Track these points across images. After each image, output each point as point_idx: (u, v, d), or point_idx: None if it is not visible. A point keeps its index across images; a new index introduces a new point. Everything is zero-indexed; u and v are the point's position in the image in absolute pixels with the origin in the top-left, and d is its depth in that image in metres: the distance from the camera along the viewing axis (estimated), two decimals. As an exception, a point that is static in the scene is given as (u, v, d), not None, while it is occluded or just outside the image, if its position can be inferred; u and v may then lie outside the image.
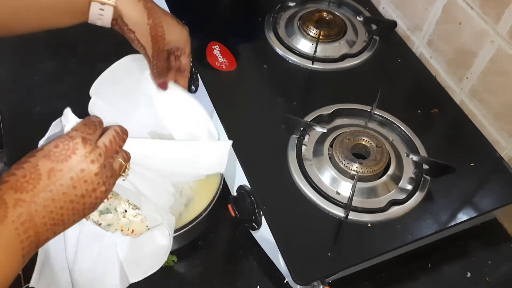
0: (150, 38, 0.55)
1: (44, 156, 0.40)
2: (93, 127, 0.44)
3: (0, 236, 0.36)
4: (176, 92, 0.65)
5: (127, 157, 0.48)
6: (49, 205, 0.39)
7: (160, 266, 0.55)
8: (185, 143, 0.62)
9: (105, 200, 0.61)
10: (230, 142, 0.62)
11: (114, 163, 0.45)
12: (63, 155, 0.40)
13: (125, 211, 0.61)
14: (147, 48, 0.56)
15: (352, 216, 0.61)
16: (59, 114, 0.62)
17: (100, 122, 0.46)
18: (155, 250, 0.56)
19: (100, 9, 0.51)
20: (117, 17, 0.53)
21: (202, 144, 0.62)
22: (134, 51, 0.60)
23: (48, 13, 0.51)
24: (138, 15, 0.53)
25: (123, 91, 0.63)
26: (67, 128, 0.47)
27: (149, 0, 0.55)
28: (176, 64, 0.65)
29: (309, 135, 0.70)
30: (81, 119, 0.47)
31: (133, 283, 0.65)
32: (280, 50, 0.83)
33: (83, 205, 0.41)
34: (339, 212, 0.62)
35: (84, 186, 0.41)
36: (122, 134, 0.47)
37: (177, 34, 0.59)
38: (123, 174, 0.47)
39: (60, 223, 0.40)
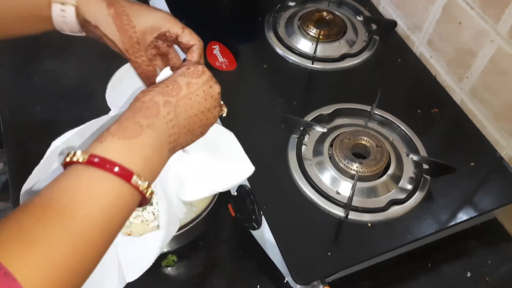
0: (115, 28, 0.51)
1: (180, 75, 0.47)
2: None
3: (156, 126, 0.42)
4: None
5: None
6: (188, 110, 0.46)
7: (149, 266, 0.55)
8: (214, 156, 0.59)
9: None
10: (253, 168, 0.58)
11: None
12: (196, 73, 0.48)
13: None
14: (117, 42, 0.51)
15: (352, 216, 0.61)
16: (59, 114, 0.62)
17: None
18: (152, 250, 0.56)
19: (62, 10, 0.49)
20: (82, 20, 0.50)
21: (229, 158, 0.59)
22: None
23: (9, 20, 0.50)
24: (96, 7, 0.50)
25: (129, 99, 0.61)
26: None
27: None
28: (181, 47, 0.58)
29: (309, 134, 0.70)
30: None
31: (133, 283, 0.65)
32: (280, 50, 0.83)
33: (206, 119, 0.48)
34: (339, 212, 0.62)
35: (211, 101, 0.48)
36: None
37: (149, 19, 0.52)
38: (223, 112, 0.53)
39: (191, 131, 0.47)
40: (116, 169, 0.38)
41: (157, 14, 0.53)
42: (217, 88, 0.49)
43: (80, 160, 0.38)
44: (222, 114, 0.53)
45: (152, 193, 0.41)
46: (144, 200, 0.41)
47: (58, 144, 0.56)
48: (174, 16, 0.54)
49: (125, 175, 0.38)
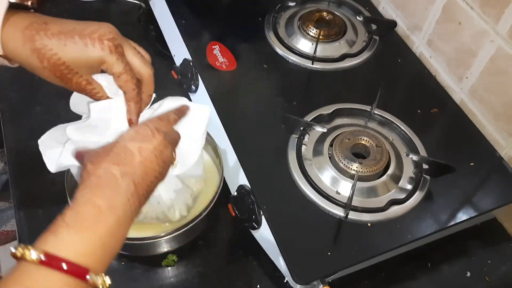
0: (58, 80, 0.47)
1: (129, 140, 0.45)
2: (165, 121, 0.50)
3: (117, 206, 0.40)
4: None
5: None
6: (145, 178, 0.44)
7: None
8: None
9: None
10: (207, 107, 0.57)
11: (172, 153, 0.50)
12: (146, 137, 0.46)
13: None
14: (65, 86, 0.48)
15: (352, 215, 0.61)
16: (59, 113, 0.62)
17: (175, 120, 0.52)
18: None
19: None
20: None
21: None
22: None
23: None
24: (27, 59, 0.45)
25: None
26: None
27: (41, 32, 0.45)
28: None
29: (309, 134, 0.70)
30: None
31: (133, 283, 0.65)
32: (280, 50, 0.83)
33: (158, 181, 0.47)
34: (339, 211, 0.62)
35: (162, 165, 0.46)
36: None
37: (87, 58, 0.46)
38: (173, 164, 0.52)
39: (147, 195, 0.45)
40: (69, 267, 0.36)
41: (96, 50, 0.46)
42: (167, 152, 0.47)
43: (33, 259, 0.35)
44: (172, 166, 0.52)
45: (110, 286, 0.39)
46: None
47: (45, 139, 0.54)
48: (117, 50, 0.47)
49: (80, 273, 0.36)
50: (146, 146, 0.45)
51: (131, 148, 0.44)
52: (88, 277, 0.37)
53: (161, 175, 0.46)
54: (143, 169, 0.43)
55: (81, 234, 0.38)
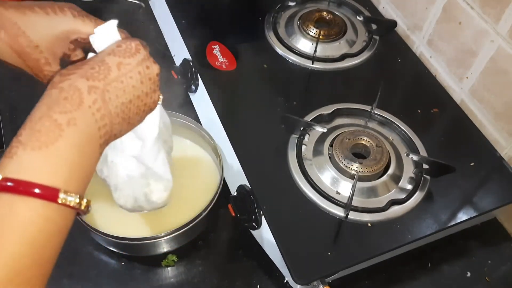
0: (14, 56, 0.43)
1: (108, 53, 0.40)
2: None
3: (79, 121, 0.35)
4: None
5: None
6: (120, 96, 0.39)
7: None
8: None
9: None
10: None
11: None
12: (129, 52, 0.40)
13: None
14: (24, 68, 0.44)
15: (352, 215, 0.61)
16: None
17: None
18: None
19: None
20: None
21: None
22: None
23: None
24: None
25: None
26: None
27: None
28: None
29: (309, 134, 0.70)
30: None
31: (132, 283, 0.65)
32: (280, 50, 0.83)
33: (144, 105, 0.42)
34: (339, 211, 0.62)
35: (149, 84, 0.41)
36: None
37: (51, 27, 0.43)
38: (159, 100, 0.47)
39: (127, 119, 0.40)
40: (36, 190, 0.31)
41: (59, 19, 0.43)
42: (155, 69, 0.42)
43: None
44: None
45: (88, 203, 0.35)
46: (81, 212, 0.35)
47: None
48: (81, 13, 0.45)
49: (49, 195, 0.32)
50: (127, 61, 0.40)
51: (109, 62, 0.39)
52: (61, 196, 0.32)
53: (146, 96, 0.41)
54: (119, 86, 0.38)
55: (39, 152, 0.32)
